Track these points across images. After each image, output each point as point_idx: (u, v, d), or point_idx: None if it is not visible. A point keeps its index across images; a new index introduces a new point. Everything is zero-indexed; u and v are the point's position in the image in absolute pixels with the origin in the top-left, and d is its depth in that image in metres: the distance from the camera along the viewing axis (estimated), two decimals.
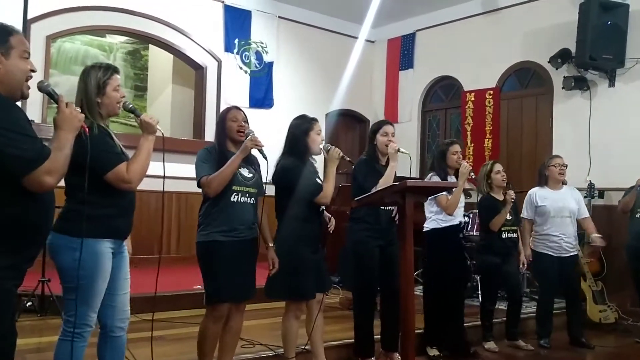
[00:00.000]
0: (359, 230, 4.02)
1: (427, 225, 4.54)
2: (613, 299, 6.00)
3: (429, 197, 4.41)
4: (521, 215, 5.14)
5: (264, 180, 3.43)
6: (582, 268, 5.66)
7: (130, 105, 2.77)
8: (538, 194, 5.12)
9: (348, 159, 3.68)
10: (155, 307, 4.37)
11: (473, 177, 4.52)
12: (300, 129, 3.63)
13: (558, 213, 5.00)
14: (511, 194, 4.81)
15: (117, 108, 2.72)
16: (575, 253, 5.12)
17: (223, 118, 3.40)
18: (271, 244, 3.47)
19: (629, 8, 6.45)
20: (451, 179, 4.52)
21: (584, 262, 5.73)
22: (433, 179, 4.49)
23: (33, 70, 2.21)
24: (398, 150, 3.93)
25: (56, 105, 2.25)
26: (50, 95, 2.32)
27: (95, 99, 2.64)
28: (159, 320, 4.53)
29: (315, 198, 3.53)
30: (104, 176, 2.55)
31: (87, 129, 2.39)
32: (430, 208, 4.54)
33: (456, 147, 4.57)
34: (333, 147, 3.60)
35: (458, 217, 4.57)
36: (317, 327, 3.73)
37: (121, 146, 2.72)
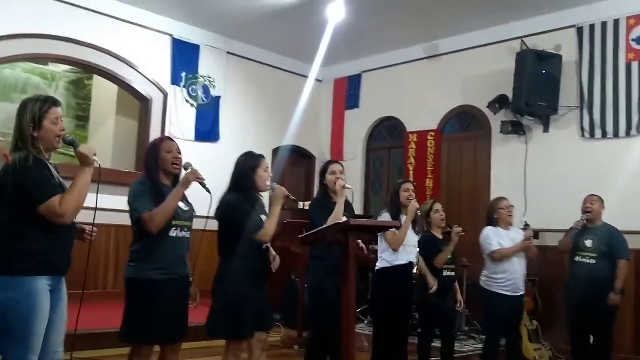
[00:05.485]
0: (316, 269, 4.00)
1: (378, 264, 4.56)
2: (547, 337, 6.17)
3: (380, 234, 4.46)
4: (490, 251, 5.01)
5: (206, 214, 3.36)
6: None
7: (70, 138, 2.67)
8: (496, 233, 5.08)
9: (293, 197, 3.62)
10: (89, 345, 4.20)
11: (419, 214, 4.60)
12: (247, 165, 3.58)
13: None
14: (457, 230, 4.86)
15: (57, 142, 2.62)
16: (523, 292, 5.12)
17: (156, 148, 3.28)
18: (190, 279, 3.36)
19: (562, 59, 6.82)
20: (404, 217, 4.57)
21: None
22: (383, 215, 4.55)
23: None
24: (343, 187, 4.00)
25: None
26: None
27: (29, 133, 2.53)
28: (92, 357, 4.37)
29: (255, 235, 3.45)
30: (37, 209, 2.44)
31: (8, 157, 2.34)
32: (380, 246, 4.56)
33: (408, 185, 4.66)
34: (279, 186, 3.56)
35: (408, 256, 4.53)
36: None
37: (60, 178, 2.63)
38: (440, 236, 4.98)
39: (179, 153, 3.30)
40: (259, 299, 3.51)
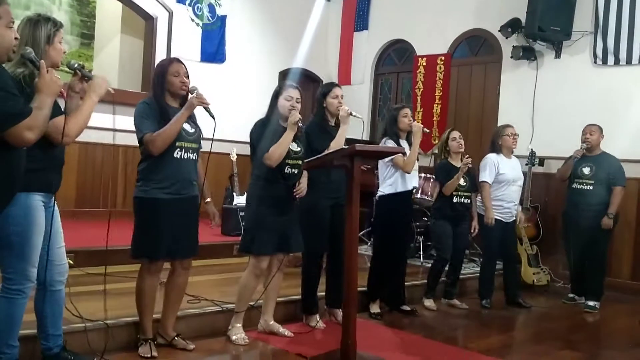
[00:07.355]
0: (311, 190, 4.08)
1: (383, 190, 4.59)
2: (546, 262, 6.31)
3: (386, 161, 4.50)
4: (482, 179, 5.18)
5: (207, 136, 3.38)
6: (519, 232, 5.91)
7: (76, 65, 2.77)
8: (499, 161, 5.21)
9: (302, 125, 3.66)
10: (104, 261, 4.32)
11: (427, 131, 4.61)
12: (274, 91, 3.76)
13: (514, 181, 5.20)
14: (467, 160, 4.94)
15: (59, 62, 2.74)
16: (515, 218, 5.36)
17: (164, 71, 3.28)
18: (209, 199, 3.54)
19: None
20: (404, 142, 4.60)
21: (521, 227, 5.98)
22: (388, 143, 4.55)
23: (17, 38, 2.39)
24: (350, 114, 3.99)
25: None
26: (32, 62, 2.46)
27: (44, 47, 2.62)
28: (102, 274, 4.50)
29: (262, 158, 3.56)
30: None
31: (64, 94, 2.52)
32: (385, 173, 4.60)
33: (406, 111, 4.64)
34: (295, 113, 3.62)
35: (413, 180, 4.63)
36: (272, 285, 3.84)
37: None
38: (458, 164, 5.02)
39: (187, 77, 3.30)
40: (282, 222, 3.66)
